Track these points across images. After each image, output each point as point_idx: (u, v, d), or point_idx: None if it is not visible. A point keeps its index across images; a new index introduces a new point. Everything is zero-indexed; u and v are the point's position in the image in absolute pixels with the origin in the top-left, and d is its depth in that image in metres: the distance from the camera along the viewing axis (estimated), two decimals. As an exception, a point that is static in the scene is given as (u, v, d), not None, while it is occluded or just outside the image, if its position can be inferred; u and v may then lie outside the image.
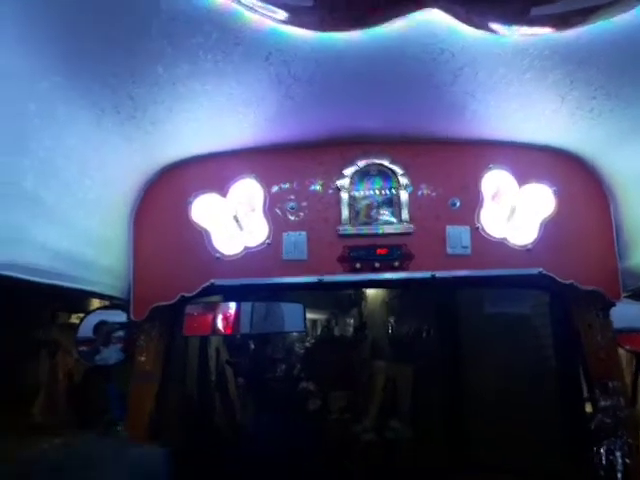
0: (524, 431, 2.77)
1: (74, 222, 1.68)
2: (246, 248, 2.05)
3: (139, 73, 1.44)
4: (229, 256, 2.04)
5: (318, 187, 2.08)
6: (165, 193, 2.07)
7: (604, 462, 2.01)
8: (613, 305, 2.11)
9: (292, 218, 2.06)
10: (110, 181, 1.84)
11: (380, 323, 4.94)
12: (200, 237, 2.03)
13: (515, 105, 1.73)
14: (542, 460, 2.60)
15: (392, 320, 4.74)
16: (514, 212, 2.08)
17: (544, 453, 2.59)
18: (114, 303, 2.10)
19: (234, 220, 2.05)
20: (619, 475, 1.94)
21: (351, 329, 5.88)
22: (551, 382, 2.72)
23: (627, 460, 1.97)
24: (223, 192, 2.06)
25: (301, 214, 2.06)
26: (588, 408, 2.24)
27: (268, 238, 2.04)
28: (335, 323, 5.99)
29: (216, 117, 1.75)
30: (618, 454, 2.00)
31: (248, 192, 2.07)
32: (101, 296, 2.00)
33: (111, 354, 2.18)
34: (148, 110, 1.61)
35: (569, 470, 2.35)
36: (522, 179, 2.07)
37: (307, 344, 5.66)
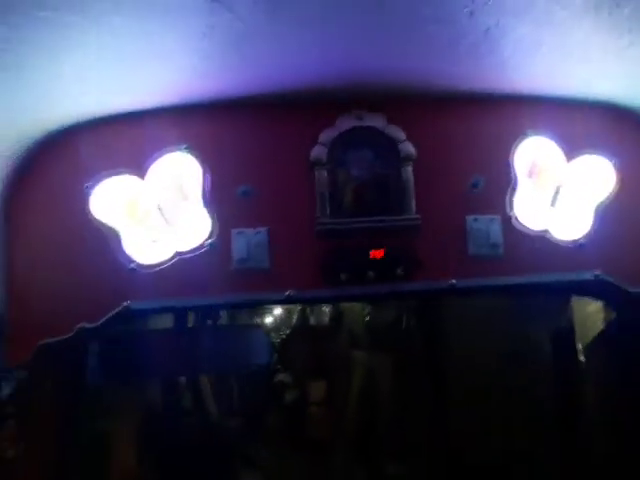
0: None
1: None
2: (177, 254, 1.56)
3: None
4: (151, 266, 1.55)
5: (283, 162, 1.64)
6: (50, 175, 1.59)
7: None
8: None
9: (246, 208, 1.60)
10: None
11: (357, 311, 4.91)
12: (105, 241, 1.53)
13: (564, 45, 1.39)
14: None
15: (369, 309, 4.72)
16: (559, 194, 1.69)
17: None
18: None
19: (158, 213, 1.53)
20: None
21: (327, 318, 5.87)
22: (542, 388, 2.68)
23: None
24: (140, 172, 1.55)
25: (259, 202, 1.61)
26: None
27: (210, 238, 1.58)
28: (310, 312, 5.97)
29: (122, 62, 1.34)
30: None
31: (178, 171, 1.57)
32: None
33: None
34: (19, 54, 1.20)
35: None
36: (571, 149, 1.69)
37: (282, 335, 5.69)
